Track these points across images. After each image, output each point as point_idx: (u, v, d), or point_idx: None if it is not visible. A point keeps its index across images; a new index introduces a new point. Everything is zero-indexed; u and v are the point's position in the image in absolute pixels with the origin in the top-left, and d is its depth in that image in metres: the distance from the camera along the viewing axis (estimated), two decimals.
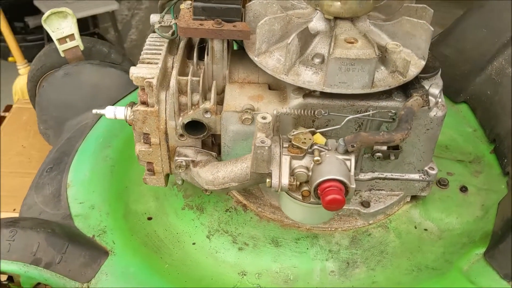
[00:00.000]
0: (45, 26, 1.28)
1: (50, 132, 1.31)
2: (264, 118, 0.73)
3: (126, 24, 3.97)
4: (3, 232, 0.84)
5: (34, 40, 3.26)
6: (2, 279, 0.85)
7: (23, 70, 2.21)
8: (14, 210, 1.36)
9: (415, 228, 0.93)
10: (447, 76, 0.88)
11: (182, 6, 0.85)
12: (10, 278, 0.84)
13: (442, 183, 0.99)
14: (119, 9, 3.63)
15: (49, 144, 1.36)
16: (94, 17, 3.50)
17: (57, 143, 1.22)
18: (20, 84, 2.18)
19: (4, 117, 1.69)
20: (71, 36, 1.30)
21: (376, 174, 0.90)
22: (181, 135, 0.85)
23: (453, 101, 1.22)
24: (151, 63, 0.82)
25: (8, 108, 1.76)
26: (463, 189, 1.00)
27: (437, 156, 1.04)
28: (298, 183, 0.73)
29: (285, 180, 0.72)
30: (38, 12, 3.13)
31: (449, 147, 1.09)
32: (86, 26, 3.32)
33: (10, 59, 3.40)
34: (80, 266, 0.85)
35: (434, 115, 0.83)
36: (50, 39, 1.29)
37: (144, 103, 0.82)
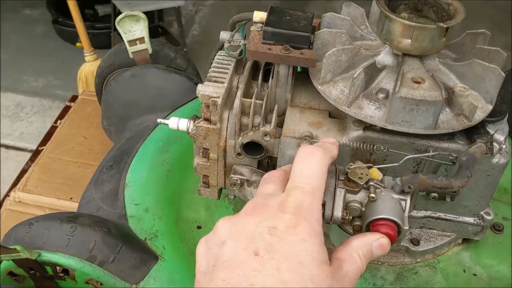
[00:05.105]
0: (118, 28, 1.34)
1: (112, 129, 1.37)
2: None
3: (190, 19, 4.06)
4: (64, 227, 0.89)
5: (102, 28, 3.38)
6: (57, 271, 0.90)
7: (89, 57, 2.28)
8: (71, 199, 1.44)
9: (464, 271, 0.91)
10: None
11: (253, 28, 0.87)
12: (66, 271, 0.89)
13: (496, 228, 0.97)
14: (184, 4, 3.72)
15: (110, 140, 1.42)
16: (159, 11, 3.59)
17: (118, 141, 1.27)
18: (85, 70, 2.26)
19: (69, 107, 1.78)
20: (141, 39, 1.36)
21: (429, 213, 0.89)
22: (239, 154, 0.87)
23: None
24: (218, 82, 0.85)
25: (74, 98, 1.85)
26: None
27: (495, 199, 1.01)
28: (350, 217, 0.73)
29: (338, 213, 0.73)
30: (108, 1, 3.25)
31: (508, 190, 1.06)
32: (151, 18, 3.41)
33: (77, 44, 3.55)
34: (131, 267, 0.89)
35: (497, 162, 0.81)
36: (116, 29, 1.34)
37: (207, 119, 0.84)
